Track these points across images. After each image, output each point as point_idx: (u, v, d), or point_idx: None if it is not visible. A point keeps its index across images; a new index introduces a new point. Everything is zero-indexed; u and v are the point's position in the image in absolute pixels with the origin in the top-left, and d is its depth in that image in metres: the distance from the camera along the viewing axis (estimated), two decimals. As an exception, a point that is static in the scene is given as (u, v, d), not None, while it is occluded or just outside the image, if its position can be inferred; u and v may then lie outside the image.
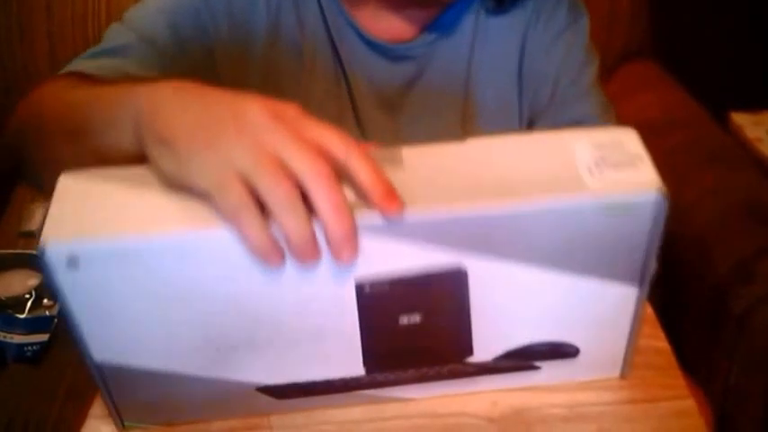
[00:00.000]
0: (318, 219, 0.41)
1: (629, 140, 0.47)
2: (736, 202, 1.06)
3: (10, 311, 1.08)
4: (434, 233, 0.44)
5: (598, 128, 0.49)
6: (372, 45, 0.77)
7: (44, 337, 1.05)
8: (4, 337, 1.05)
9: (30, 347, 1.05)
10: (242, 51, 0.75)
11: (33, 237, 0.40)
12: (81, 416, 0.54)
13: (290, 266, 0.43)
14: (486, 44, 0.79)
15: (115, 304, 0.45)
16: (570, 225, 0.45)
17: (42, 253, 0.42)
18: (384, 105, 0.80)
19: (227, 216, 0.41)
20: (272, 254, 0.42)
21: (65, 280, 0.43)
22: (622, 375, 0.55)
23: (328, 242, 0.42)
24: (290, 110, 0.44)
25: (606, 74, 1.37)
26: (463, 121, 0.81)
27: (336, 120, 0.78)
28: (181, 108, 0.45)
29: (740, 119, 1.69)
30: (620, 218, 0.45)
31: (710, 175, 1.12)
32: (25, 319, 1.07)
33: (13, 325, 1.06)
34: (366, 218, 0.43)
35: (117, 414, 0.52)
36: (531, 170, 0.46)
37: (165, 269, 0.44)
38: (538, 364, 0.53)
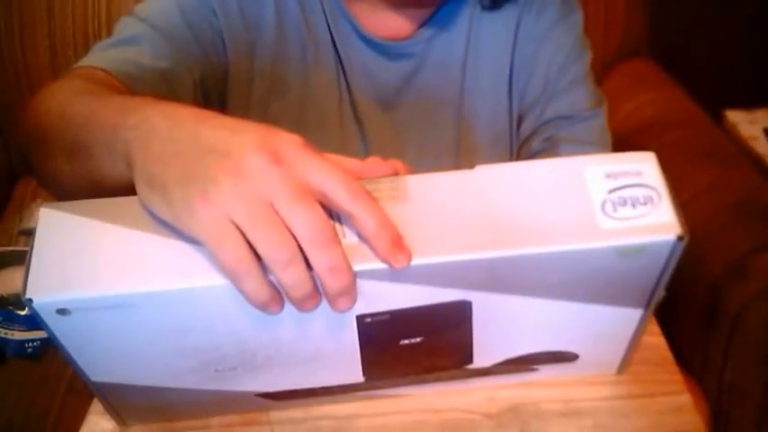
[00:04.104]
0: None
1: (647, 169, 0.44)
2: (731, 200, 1.07)
3: (11, 308, 1.08)
4: (441, 277, 0.43)
5: (614, 155, 0.45)
6: (370, 43, 0.77)
7: (44, 334, 1.04)
8: (5, 333, 1.06)
9: (30, 344, 1.05)
10: (251, 42, 0.75)
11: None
12: (81, 412, 0.55)
13: (290, 305, 0.42)
14: (481, 39, 0.79)
15: (108, 340, 0.44)
16: (582, 266, 0.44)
17: (29, 303, 0.41)
18: (381, 101, 0.80)
19: (225, 271, 0.40)
20: (271, 304, 0.41)
21: (55, 323, 0.42)
22: (619, 373, 0.55)
23: (325, 295, 0.41)
24: (291, 147, 0.41)
25: (603, 72, 1.37)
26: (459, 116, 0.81)
27: (336, 115, 0.79)
28: (172, 147, 0.42)
29: (735, 116, 1.69)
30: (633, 257, 0.43)
31: (706, 173, 1.12)
32: (26, 315, 1.07)
33: (13, 321, 1.07)
34: (369, 264, 0.41)
35: (117, 414, 0.53)
36: (542, 208, 0.43)
37: (159, 315, 0.43)
38: (536, 366, 0.53)
